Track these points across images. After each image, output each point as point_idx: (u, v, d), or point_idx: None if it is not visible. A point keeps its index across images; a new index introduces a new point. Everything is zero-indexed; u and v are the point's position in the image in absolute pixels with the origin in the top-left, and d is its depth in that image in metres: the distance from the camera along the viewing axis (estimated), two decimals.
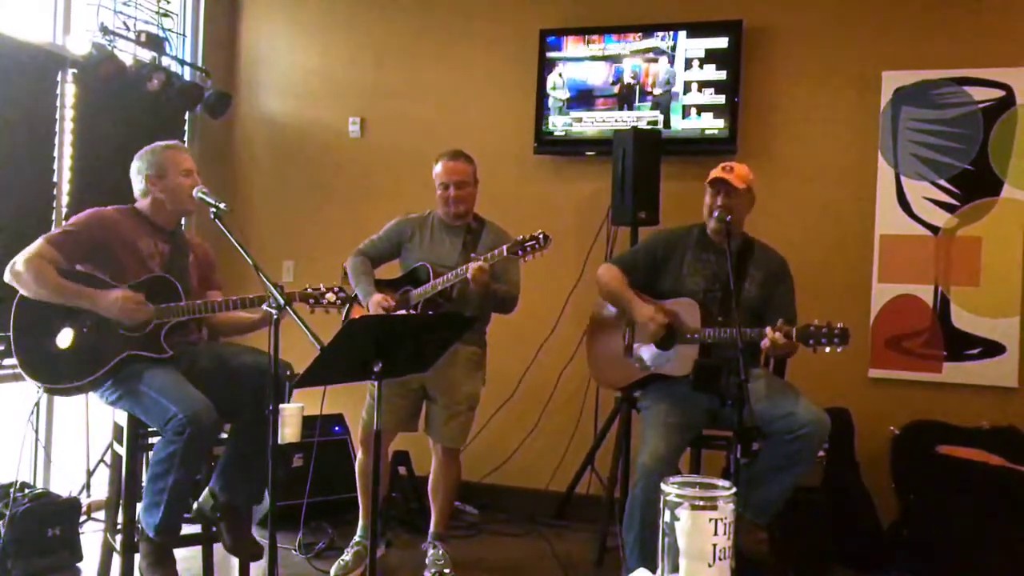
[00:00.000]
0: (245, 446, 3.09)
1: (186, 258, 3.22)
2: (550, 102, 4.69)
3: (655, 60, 4.53)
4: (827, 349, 3.01)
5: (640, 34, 4.56)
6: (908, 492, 3.89)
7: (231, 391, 3.04)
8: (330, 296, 3.12)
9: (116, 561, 3.11)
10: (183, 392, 2.89)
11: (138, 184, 3.14)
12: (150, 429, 3.04)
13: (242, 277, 3.68)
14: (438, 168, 3.73)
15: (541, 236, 3.36)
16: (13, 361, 2.95)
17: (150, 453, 3.06)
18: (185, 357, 3.08)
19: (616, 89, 4.59)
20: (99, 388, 3.00)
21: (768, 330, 3.02)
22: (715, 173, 3.31)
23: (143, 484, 3.01)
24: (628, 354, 3.43)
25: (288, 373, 2.93)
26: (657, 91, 4.53)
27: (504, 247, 3.40)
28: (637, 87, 4.56)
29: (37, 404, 4.12)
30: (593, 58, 4.63)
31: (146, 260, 3.08)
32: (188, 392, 2.90)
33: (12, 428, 4.02)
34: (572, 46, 4.68)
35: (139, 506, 2.98)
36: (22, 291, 2.91)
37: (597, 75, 4.63)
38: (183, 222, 3.43)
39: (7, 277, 2.91)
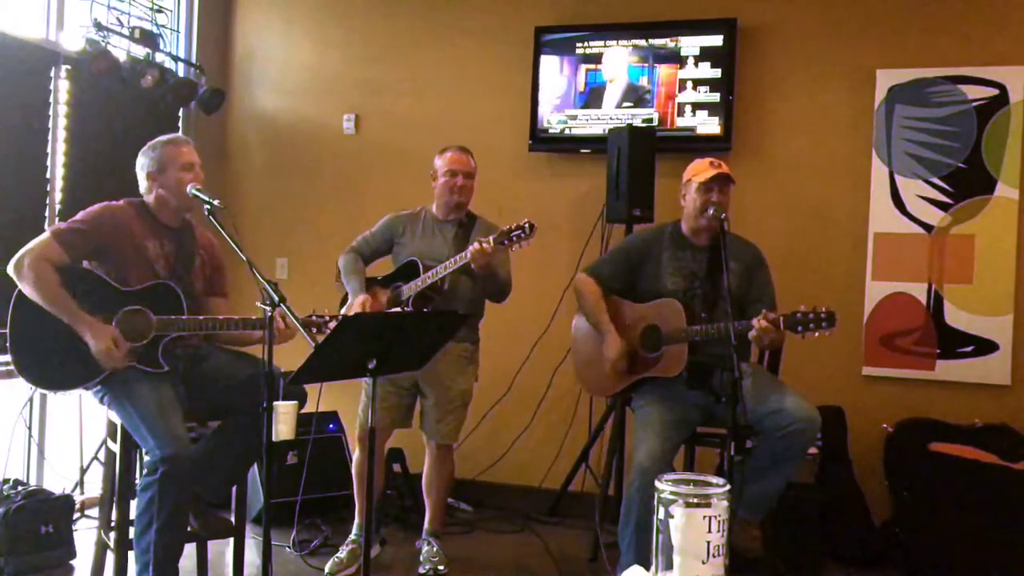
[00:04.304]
0: (229, 444, 3.09)
1: (192, 260, 3.17)
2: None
3: (658, 64, 4.54)
4: (815, 334, 3.00)
5: (638, 37, 4.57)
6: (901, 489, 3.91)
7: (231, 397, 3.04)
8: (333, 325, 3.09)
9: (110, 558, 3.11)
10: (164, 425, 2.83)
11: (141, 180, 3.12)
12: None
13: (236, 275, 3.67)
14: (445, 157, 3.73)
15: (527, 225, 3.35)
16: (6, 358, 2.94)
17: (144, 452, 3.06)
18: (184, 361, 3.06)
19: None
20: (91, 389, 2.98)
21: (755, 321, 3.02)
22: (710, 171, 3.29)
23: (135, 481, 3.01)
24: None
25: (283, 371, 2.92)
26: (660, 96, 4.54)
27: (491, 237, 3.40)
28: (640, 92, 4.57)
29: (31, 400, 4.12)
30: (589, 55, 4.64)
31: (152, 261, 3.04)
32: (169, 425, 2.84)
33: (6, 425, 4.02)
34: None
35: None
36: (21, 288, 2.88)
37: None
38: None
39: (10, 269, 2.88)
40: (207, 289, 3.23)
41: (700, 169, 3.33)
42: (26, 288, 2.86)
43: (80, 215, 3.01)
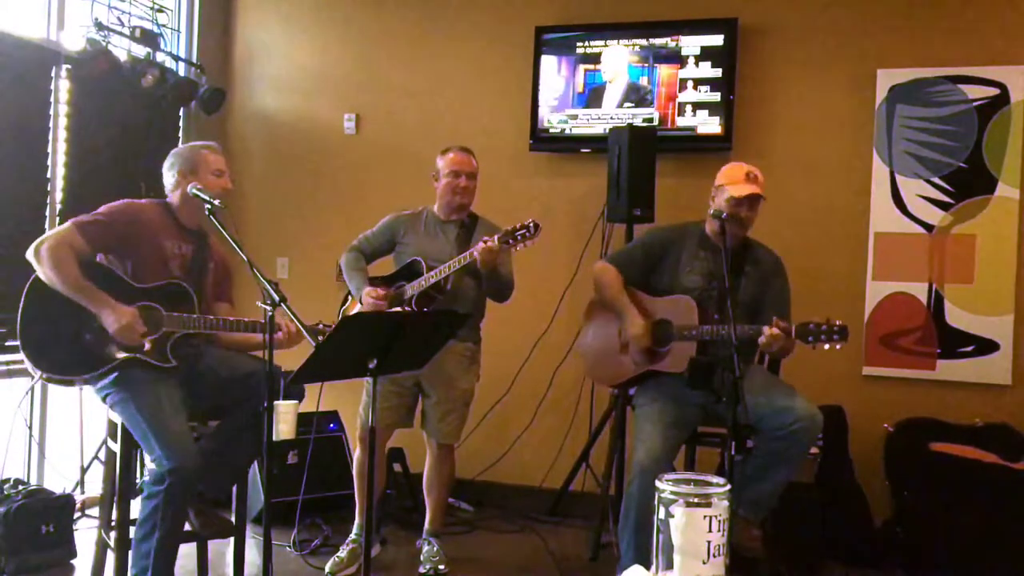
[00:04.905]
0: (230, 444, 3.10)
1: (206, 263, 3.21)
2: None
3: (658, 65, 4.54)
4: (826, 346, 3.01)
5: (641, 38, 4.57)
6: (901, 489, 3.91)
7: (229, 394, 3.06)
8: None
9: (110, 558, 3.11)
10: (173, 432, 2.85)
11: (170, 179, 3.15)
12: None
13: (237, 275, 3.67)
14: (447, 158, 3.72)
15: (531, 224, 3.34)
16: (6, 357, 2.94)
17: (150, 459, 3.06)
18: (187, 361, 3.07)
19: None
20: (97, 383, 2.98)
21: (766, 327, 3.02)
22: (744, 187, 3.21)
23: (136, 480, 3.01)
24: (623, 352, 3.43)
25: (283, 370, 2.93)
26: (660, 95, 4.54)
27: (495, 236, 3.39)
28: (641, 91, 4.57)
29: (31, 400, 4.11)
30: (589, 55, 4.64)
31: (168, 260, 3.08)
32: (177, 434, 2.86)
33: (6, 424, 4.02)
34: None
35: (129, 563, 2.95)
36: (39, 273, 2.88)
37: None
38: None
39: (30, 255, 2.89)
40: (215, 294, 3.27)
41: (735, 179, 3.25)
42: (45, 271, 2.86)
43: (102, 208, 3.05)
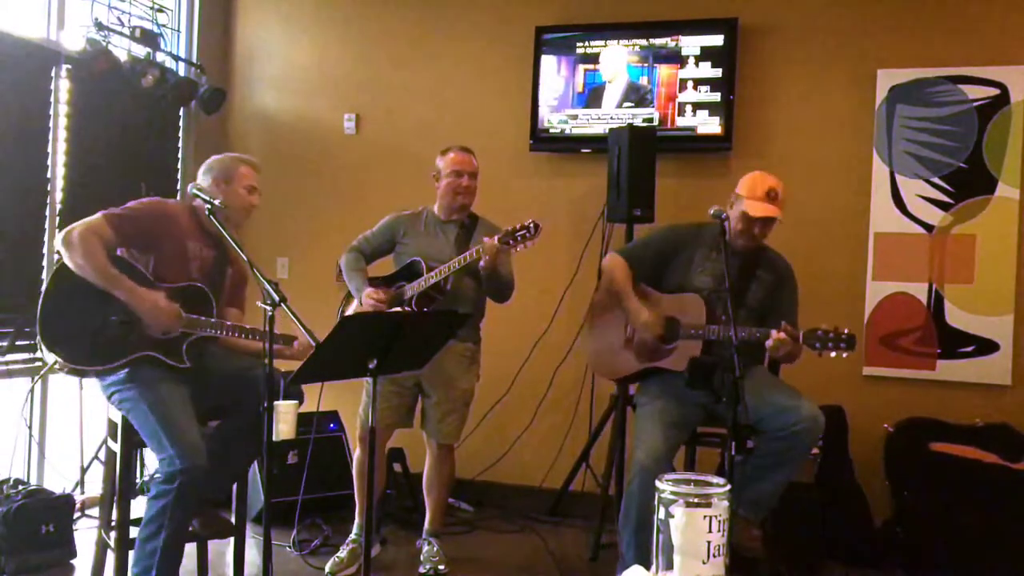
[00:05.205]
0: (231, 444, 3.10)
1: (225, 268, 3.23)
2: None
3: (658, 65, 4.54)
4: (832, 354, 3.01)
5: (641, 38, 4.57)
6: (901, 489, 3.91)
7: (229, 395, 3.06)
8: None
9: (110, 558, 3.11)
10: (185, 431, 2.86)
11: (203, 183, 3.18)
12: None
13: None
14: (448, 158, 3.71)
15: (531, 224, 3.33)
16: (7, 357, 2.94)
17: (145, 449, 3.06)
18: (197, 362, 3.08)
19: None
20: (108, 378, 2.98)
21: (773, 331, 3.02)
22: (763, 209, 3.19)
23: (136, 480, 3.01)
24: (628, 347, 3.42)
25: (283, 371, 2.93)
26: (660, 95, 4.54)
27: (496, 237, 3.39)
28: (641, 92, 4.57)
29: (32, 392, 4.11)
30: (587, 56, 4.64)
31: (189, 261, 3.10)
32: (189, 432, 2.87)
33: (6, 424, 4.02)
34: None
35: (131, 562, 2.95)
36: (67, 261, 2.89)
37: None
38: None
39: (58, 242, 2.91)
40: (228, 299, 3.28)
41: (755, 194, 3.22)
42: (75, 258, 2.87)
43: (132, 203, 3.08)
